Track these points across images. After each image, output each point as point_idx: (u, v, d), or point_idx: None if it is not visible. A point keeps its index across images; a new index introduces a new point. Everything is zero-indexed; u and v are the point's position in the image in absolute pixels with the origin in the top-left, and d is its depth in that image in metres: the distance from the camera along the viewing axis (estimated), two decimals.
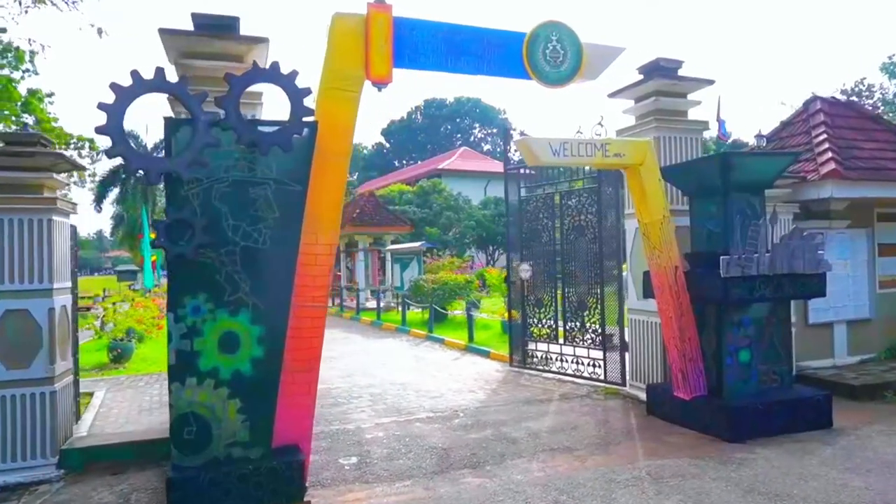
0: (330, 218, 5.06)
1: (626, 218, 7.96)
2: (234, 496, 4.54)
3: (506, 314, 11.27)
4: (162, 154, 4.82)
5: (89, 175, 32.60)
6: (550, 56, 5.57)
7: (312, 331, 5.03)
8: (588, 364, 8.79)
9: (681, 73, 7.52)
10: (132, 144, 4.61)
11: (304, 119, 4.77)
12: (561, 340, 9.29)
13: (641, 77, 7.50)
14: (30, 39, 24.98)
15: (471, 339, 12.49)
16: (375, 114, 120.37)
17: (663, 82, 7.33)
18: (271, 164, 4.76)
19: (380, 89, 5.22)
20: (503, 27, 5.47)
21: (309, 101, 4.82)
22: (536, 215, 9.58)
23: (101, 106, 4.32)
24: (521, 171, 9.70)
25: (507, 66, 5.48)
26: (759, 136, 8.08)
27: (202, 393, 4.62)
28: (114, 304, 14.30)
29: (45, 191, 5.42)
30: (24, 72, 29.89)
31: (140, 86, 4.41)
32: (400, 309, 17.36)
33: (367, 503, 4.78)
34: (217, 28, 5.81)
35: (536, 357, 9.69)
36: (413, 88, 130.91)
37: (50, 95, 26.93)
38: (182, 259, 4.53)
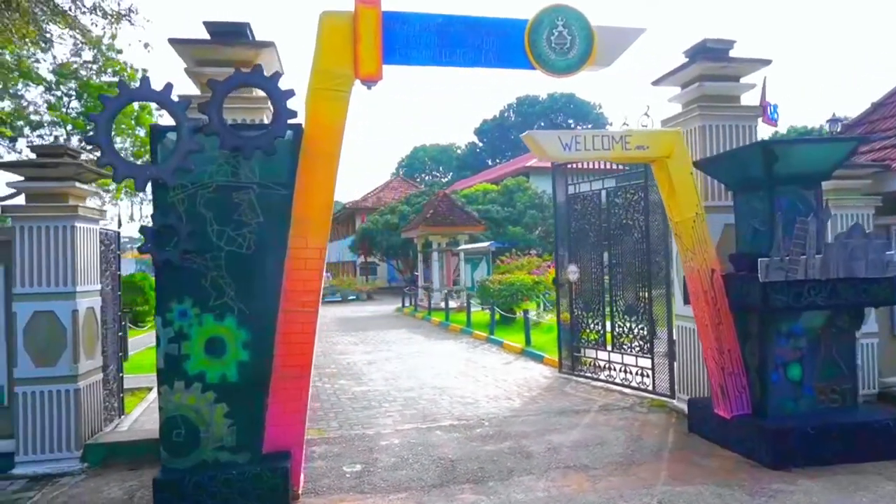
0: (319, 220, 4.97)
1: None
2: (218, 500, 4.56)
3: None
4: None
5: None
6: (556, 43, 5.16)
7: (303, 336, 4.96)
8: (636, 373, 8.17)
9: (733, 54, 6.78)
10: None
11: (288, 122, 4.71)
12: (609, 347, 8.70)
13: (686, 60, 6.82)
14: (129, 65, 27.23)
15: (527, 342, 12.07)
16: (468, 113, 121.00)
17: (709, 65, 6.62)
18: (255, 168, 4.74)
19: (369, 87, 5.06)
20: (512, 16, 5.18)
21: (295, 104, 4.76)
22: (584, 214, 9.04)
23: (92, 117, 4.48)
24: (570, 167, 9.19)
25: (507, 57, 5.15)
26: (832, 121, 7.14)
27: (190, 396, 4.68)
28: None
29: (70, 199, 5.74)
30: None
31: (126, 96, 4.53)
32: (481, 310, 17.16)
33: None
34: (227, 35, 5.90)
35: (585, 363, 9.16)
36: (506, 86, 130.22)
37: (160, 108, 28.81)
38: (168, 264, 4.61)
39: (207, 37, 5.87)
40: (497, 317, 15.10)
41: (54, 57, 29.50)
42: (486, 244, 19.64)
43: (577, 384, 8.93)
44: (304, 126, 4.97)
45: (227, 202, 4.70)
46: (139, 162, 4.44)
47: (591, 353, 9.07)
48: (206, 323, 4.69)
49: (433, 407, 7.81)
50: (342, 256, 46.53)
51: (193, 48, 5.88)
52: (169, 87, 4.58)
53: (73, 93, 32.10)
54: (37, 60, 30.39)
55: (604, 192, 8.58)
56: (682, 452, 5.76)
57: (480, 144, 71.32)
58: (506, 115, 71.24)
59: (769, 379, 5.51)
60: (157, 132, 4.66)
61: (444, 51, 5.06)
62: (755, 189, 5.74)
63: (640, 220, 8.03)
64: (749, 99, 6.86)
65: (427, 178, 69.42)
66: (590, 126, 65.58)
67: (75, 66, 30.65)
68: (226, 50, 5.84)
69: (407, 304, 22.87)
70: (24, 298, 5.58)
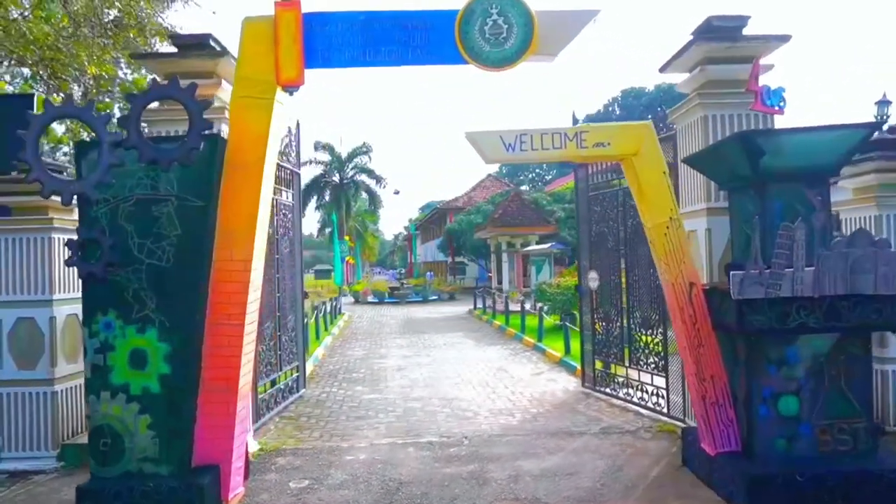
0: (245, 233, 4.86)
1: (686, 217, 6.43)
2: None
3: None
4: None
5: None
6: (491, 33, 4.68)
7: (230, 349, 4.87)
8: (651, 392, 7.36)
9: (747, 31, 5.87)
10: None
11: (203, 133, 4.63)
12: (627, 362, 7.92)
13: (689, 40, 6.00)
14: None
15: (567, 351, 11.37)
16: (570, 108, 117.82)
17: (713, 46, 5.77)
18: (173, 180, 4.71)
19: (291, 93, 4.88)
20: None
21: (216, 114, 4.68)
22: (603, 216, 8.30)
23: (20, 133, 4.65)
24: (591, 164, 8.47)
25: (435, 52, 4.74)
26: (882, 102, 5.96)
27: (115, 407, 4.73)
28: None
29: (50, 211, 6.06)
30: None
31: (50, 113, 4.66)
32: (537, 313, 16.50)
33: None
34: (190, 47, 5.98)
35: (606, 379, 8.42)
36: (610, 79, 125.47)
37: None
38: (93, 277, 4.68)
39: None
40: (552, 322, 14.41)
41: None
42: (547, 246, 18.86)
43: (594, 400, 8.23)
44: (228, 136, 4.90)
45: (147, 215, 4.71)
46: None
47: (612, 367, 8.32)
48: (129, 335, 4.72)
49: (426, 420, 7.50)
50: (437, 256, 47.01)
51: (158, 62, 6.01)
52: (91, 103, 4.66)
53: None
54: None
55: (620, 192, 7.81)
56: (658, 490, 5.06)
57: None
58: (610, 108, 68.48)
59: (755, 413, 4.68)
60: (81, 148, 4.76)
61: (368, 50, 4.76)
62: (745, 189, 4.92)
63: None
64: (765, 83, 5.90)
65: (531, 175, 68.41)
66: None
67: None
68: (185, 62, 5.91)
69: (480, 305, 22.54)
70: (6, 305, 5.96)
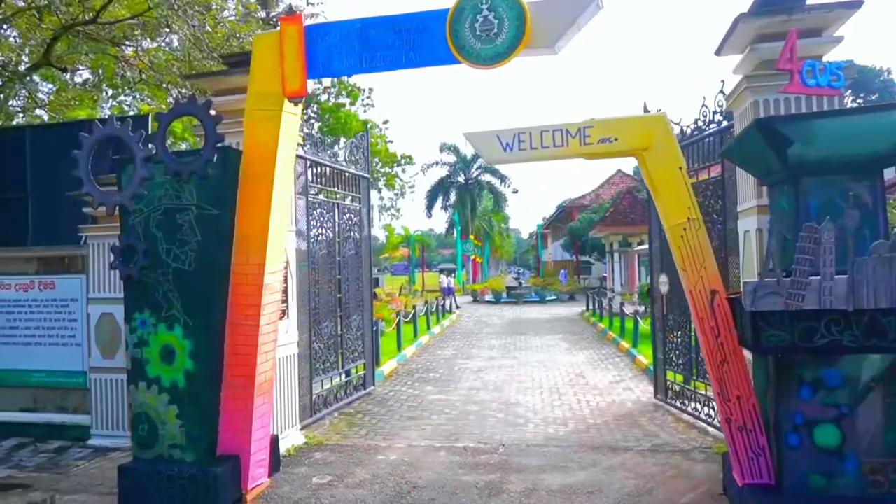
0: (259, 239, 5.15)
1: (741, 216, 5.75)
2: (163, 494, 5.02)
3: None
4: None
5: (409, 187, 38.50)
6: (482, 29, 4.51)
7: (247, 348, 5.19)
8: (716, 408, 6.63)
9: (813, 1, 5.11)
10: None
11: (216, 145, 4.96)
12: (694, 374, 7.22)
13: (738, 16, 5.33)
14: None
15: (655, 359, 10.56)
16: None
17: (765, 21, 5.07)
18: (193, 190, 5.10)
19: (296, 104, 5.07)
20: None
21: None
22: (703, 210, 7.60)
23: (74, 154, 5.30)
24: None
25: (428, 53, 4.67)
26: None
27: (150, 397, 5.23)
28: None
29: None
30: (363, 105, 36.62)
31: (97, 134, 5.26)
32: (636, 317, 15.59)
33: None
34: (235, 64, 6.42)
35: (675, 390, 7.74)
36: None
37: (385, 122, 32.06)
38: (131, 279, 5.23)
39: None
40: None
41: None
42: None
43: (662, 414, 7.60)
44: (242, 148, 5.21)
45: (172, 223, 5.15)
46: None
47: (682, 378, 7.62)
48: (160, 332, 5.20)
49: (475, 425, 7.40)
50: (563, 255, 46.01)
51: (208, 80, 6.52)
52: (126, 122, 5.19)
53: (315, 115, 37.45)
54: None
55: None
56: None
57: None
58: None
59: (784, 442, 4.05)
60: (121, 163, 5.31)
61: (365, 56, 4.80)
62: (781, 183, 4.28)
63: (717, 220, 6.51)
64: (811, 58, 5.07)
65: None
66: (875, 97, 53.75)
67: (318, 92, 35.85)
68: (232, 79, 6.34)
69: (592, 307, 21.71)
70: (94, 302, 6.84)
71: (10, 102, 12.82)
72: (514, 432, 7.02)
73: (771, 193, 4.56)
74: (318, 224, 7.77)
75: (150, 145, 5.03)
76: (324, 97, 38.41)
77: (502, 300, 30.07)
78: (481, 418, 7.72)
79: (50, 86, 13.96)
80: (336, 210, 8.30)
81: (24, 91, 11.99)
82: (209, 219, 5.09)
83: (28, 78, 11.99)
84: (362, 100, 39.15)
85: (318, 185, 7.87)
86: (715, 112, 6.44)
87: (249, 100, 5.12)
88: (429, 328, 17.87)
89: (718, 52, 5.75)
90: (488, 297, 31.55)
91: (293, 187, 5.68)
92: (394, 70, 4.79)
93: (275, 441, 5.84)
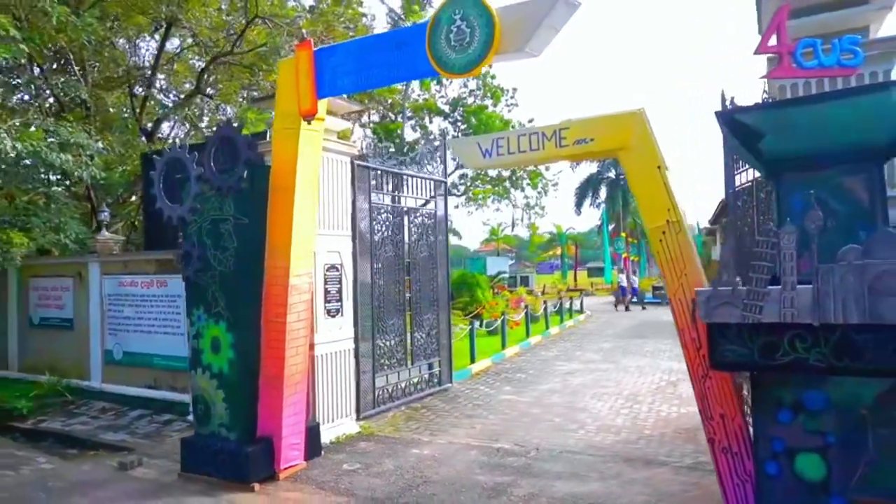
0: (284, 243, 5.74)
1: None
2: (211, 465, 5.83)
3: None
4: None
5: (553, 185, 37.96)
6: (455, 40, 4.60)
7: (277, 342, 5.81)
8: None
9: None
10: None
11: (245, 163, 5.62)
12: None
13: None
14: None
15: None
16: None
17: None
18: (231, 203, 5.82)
19: (309, 122, 5.53)
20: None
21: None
22: (744, 212, 6.89)
23: (150, 175, 6.31)
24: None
25: (412, 66, 4.86)
26: None
27: (204, 381, 6.07)
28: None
29: None
30: (507, 106, 37.03)
31: (166, 157, 6.21)
32: None
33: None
34: None
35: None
36: None
37: (531, 121, 32.51)
38: (189, 280, 6.11)
39: None
40: None
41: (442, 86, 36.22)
42: None
43: None
44: (270, 164, 5.82)
45: (217, 232, 5.91)
46: None
47: None
48: (210, 326, 6.01)
49: (524, 426, 7.39)
50: None
51: (267, 103, 7.27)
52: (183, 147, 6.07)
53: (461, 117, 38.60)
54: (441, 95, 37.91)
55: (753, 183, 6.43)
56: None
57: None
58: None
59: (762, 470, 3.64)
60: (181, 182, 6.20)
61: (363, 74, 5.12)
62: (768, 179, 3.84)
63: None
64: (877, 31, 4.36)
65: None
66: None
67: (464, 95, 36.99)
68: (346, 105, 6.88)
69: None
70: None
71: (173, 131, 15.21)
72: (558, 437, 6.90)
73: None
74: (384, 228, 8.26)
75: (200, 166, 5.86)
76: (470, 100, 39.50)
77: (646, 300, 28.53)
78: (536, 421, 7.67)
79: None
80: (405, 214, 8.74)
81: (176, 117, 14.19)
82: (243, 228, 5.78)
83: (185, 106, 14.14)
84: (506, 100, 39.44)
85: (384, 192, 8.33)
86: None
87: (275, 119, 5.72)
88: (547, 328, 17.68)
89: (757, 53, 5.21)
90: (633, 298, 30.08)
91: (317, 198, 6.14)
92: (386, 85, 5.08)
93: (314, 429, 6.42)
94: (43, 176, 10.71)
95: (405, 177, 8.69)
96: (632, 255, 46.88)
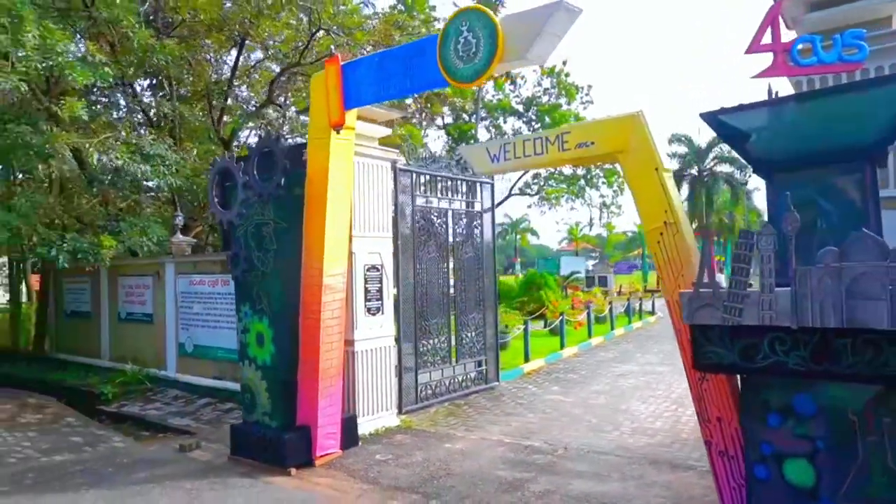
0: (317, 245, 6.14)
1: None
2: (255, 450, 6.34)
3: None
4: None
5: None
6: (463, 50, 4.80)
7: (312, 338, 6.23)
8: None
9: None
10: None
11: (283, 171, 6.07)
12: None
13: None
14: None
15: None
16: None
17: None
18: (271, 208, 6.29)
19: (338, 132, 5.89)
20: None
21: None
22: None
23: (209, 184, 6.92)
24: None
25: (426, 76, 5.10)
26: None
27: (251, 373, 6.60)
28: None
29: None
30: (582, 103, 36.61)
31: (217, 167, 6.78)
32: None
33: (326, 488, 5.64)
34: None
35: None
36: None
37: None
38: (237, 279, 6.66)
39: None
40: None
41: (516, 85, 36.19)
42: None
43: None
44: (307, 171, 6.24)
45: (260, 235, 6.41)
46: None
47: None
48: (255, 321, 6.52)
49: (562, 425, 7.46)
50: None
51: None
52: (231, 157, 6.61)
53: (535, 116, 38.43)
54: (516, 95, 38.05)
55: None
56: None
57: None
58: None
59: (751, 474, 3.61)
60: (229, 189, 6.75)
61: (382, 85, 5.42)
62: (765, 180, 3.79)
63: None
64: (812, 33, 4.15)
65: None
66: None
67: (538, 94, 36.84)
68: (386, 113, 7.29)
69: None
70: None
71: (249, 139, 16.22)
72: (591, 437, 6.92)
73: None
74: (426, 229, 8.55)
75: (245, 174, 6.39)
76: (544, 99, 39.27)
77: None
78: (574, 421, 7.70)
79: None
80: (449, 216, 9.00)
81: (251, 126, 15.14)
82: (282, 231, 6.24)
83: (258, 116, 15.09)
84: (580, 98, 38.84)
85: (427, 194, 8.61)
86: None
87: (310, 130, 6.13)
88: (612, 329, 17.37)
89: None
90: None
91: (350, 202, 6.48)
92: (403, 96, 5.35)
93: (351, 420, 6.81)
94: (129, 184, 11.84)
95: (449, 179, 8.95)
96: (717, 254, 44.83)
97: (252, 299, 6.53)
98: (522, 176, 37.45)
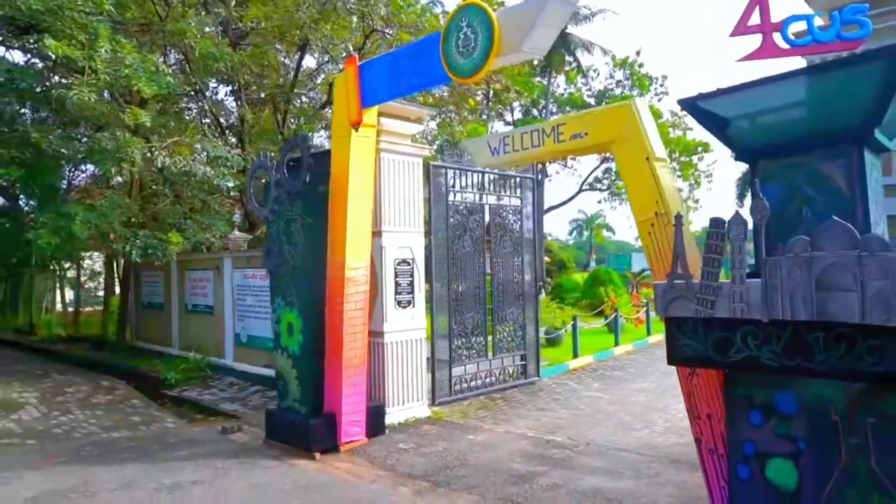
0: (340, 239, 6.39)
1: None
2: (286, 434, 6.69)
3: None
4: None
5: (706, 176, 35.22)
6: (462, 45, 4.86)
7: (336, 329, 6.50)
8: None
9: None
10: None
11: (308, 168, 6.36)
12: None
13: None
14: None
15: None
16: None
17: None
18: (299, 204, 6.60)
19: (356, 129, 6.09)
20: None
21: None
22: None
23: (246, 182, 7.33)
24: None
25: (431, 73, 5.19)
26: None
27: (283, 361, 6.95)
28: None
29: None
30: (656, 95, 35.55)
31: (254, 166, 7.18)
32: None
33: (344, 472, 5.89)
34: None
35: None
36: None
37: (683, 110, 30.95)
38: (271, 273, 7.03)
39: None
40: None
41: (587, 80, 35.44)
42: None
43: None
44: (331, 169, 6.50)
45: (289, 230, 6.73)
46: None
47: None
48: (286, 312, 6.86)
49: (591, 422, 7.36)
50: None
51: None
52: (265, 156, 6.98)
53: None
54: (587, 88, 37.41)
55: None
56: None
57: None
58: None
59: (734, 473, 3.49)
60: (263, 187, 7.12)
61: (394, 83, 5.57)
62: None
63: None
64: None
65: None
66: None
67: (610, 86, 35.96)
68: (398, 108, 7.50)
69: None
70: None
71: (313, 140, 16.97)
72: (618, 435, 6.79)
73: None
74: (460, 224, 8.63)
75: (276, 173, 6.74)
76: (617, 91, 38.28)
77: None
78: (606, 417, 7.57)
79: None
80: (485, 211, 9.03)
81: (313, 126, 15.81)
82: (308, 226, 6.54)
83: (317, 118, 15.71)
84: (654, 89, 37.52)
85: (461, 189, 8.69)
86: None
87: (333, 128, 6.38)
88: None
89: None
90: None
91: (371, 198, 6.66)
92: (412, 93, 5.47)
93: (377, 409, 7.03)
94: (198, 185, 12.67)
95: (483, 174, 8.98)
96: None
97: (283, 291, 6.87)
98: (593, 171, 36.62)
